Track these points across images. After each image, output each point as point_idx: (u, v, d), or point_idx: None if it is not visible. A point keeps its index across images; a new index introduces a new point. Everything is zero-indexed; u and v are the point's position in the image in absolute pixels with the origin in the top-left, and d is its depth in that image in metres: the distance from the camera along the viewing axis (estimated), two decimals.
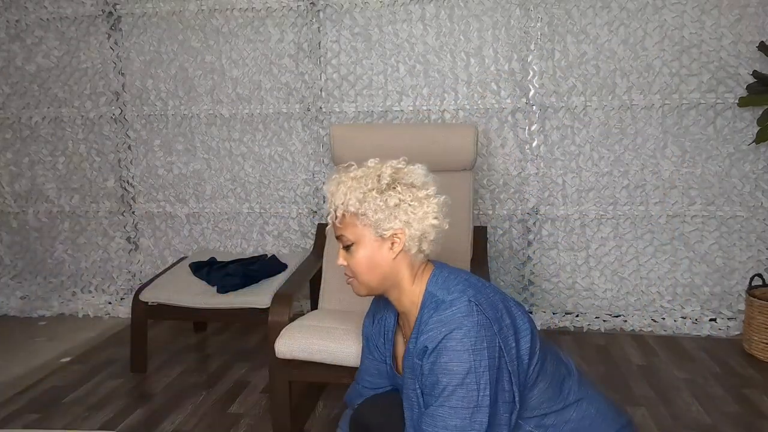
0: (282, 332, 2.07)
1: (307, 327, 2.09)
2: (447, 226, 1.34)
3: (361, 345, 1.57)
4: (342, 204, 1.31)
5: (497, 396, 1.20)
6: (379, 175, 1.32)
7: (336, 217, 1.33)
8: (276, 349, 2.04)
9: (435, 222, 1.31)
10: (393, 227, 1.29)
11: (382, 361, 1.50)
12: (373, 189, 1.30)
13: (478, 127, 2.80)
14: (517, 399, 1.23)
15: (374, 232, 1.30)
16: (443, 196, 1.35)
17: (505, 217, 3.11)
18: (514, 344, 1.23)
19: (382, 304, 1.49)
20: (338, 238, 1.36)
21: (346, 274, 1.37)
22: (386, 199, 1.29)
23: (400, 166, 1.35)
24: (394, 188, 1.31)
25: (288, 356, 2.03)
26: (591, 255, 3.07)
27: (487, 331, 1.20)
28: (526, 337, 1.27)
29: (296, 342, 2.02)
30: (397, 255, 1.31)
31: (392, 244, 1.31)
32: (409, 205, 1.30)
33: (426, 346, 1.24)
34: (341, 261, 1.36)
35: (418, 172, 1.35)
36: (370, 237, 1.31)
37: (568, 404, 1.33)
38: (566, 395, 1.33)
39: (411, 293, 1.34)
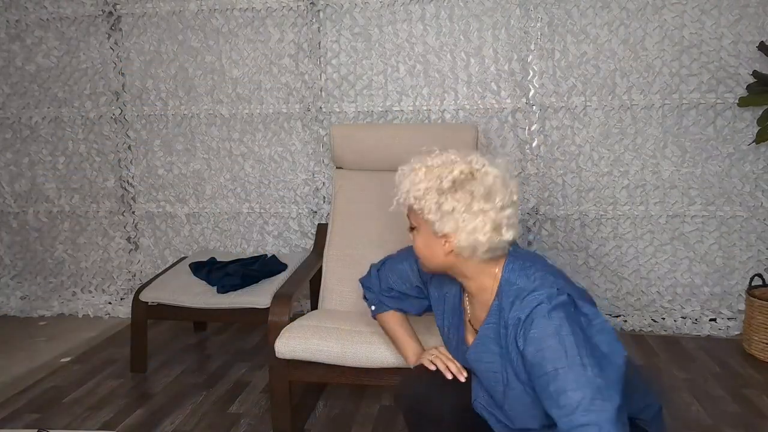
0: (282, 332, 2.07)
1: (307, 327, 2.09)
2: (511, 237, 1.32)
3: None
4: (404, 194, 1.35)
5: (600, 365, 1.20)
6: (447, 174, 1.31)
7: (401, 203, 1.37)
8: (276, 349, 2.04)
9: (483, 239, 1.30)
10: (444, 230, 1.31)
11: (418, 296, 1.62)
12: (434, 189, 1.31)
13: (478, 127, 2.80)
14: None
15: (429, 227, 1.33)
16: (508, 210, 1.32)
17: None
18: (599, 321, 1.26)
19: (446, 278, 1.50)
20: (407, 215, 1.41)
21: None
22: (442, 203, 1.30)
23: (475, 167, 1.32)
24: (454, 192, 1.30)
25: (288, 356, 2.03)
26: (591, 255, 3.07)
27: (569, 307, 1.23)
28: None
29: (296, 342, 2.02)
30: (450, 253, 1.33)
31: (445, 243, 1.33)
32: (461, 215, 1.29)
33: (500, 331, 1.29)
34: (408, 239, 1.42)
35: (487, 180, 1.31)
36: (426, 229, 1.35)
37: None
38: None
39: (480, 281, 1.36)
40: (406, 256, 1.63)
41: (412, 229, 1.40)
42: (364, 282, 1.75)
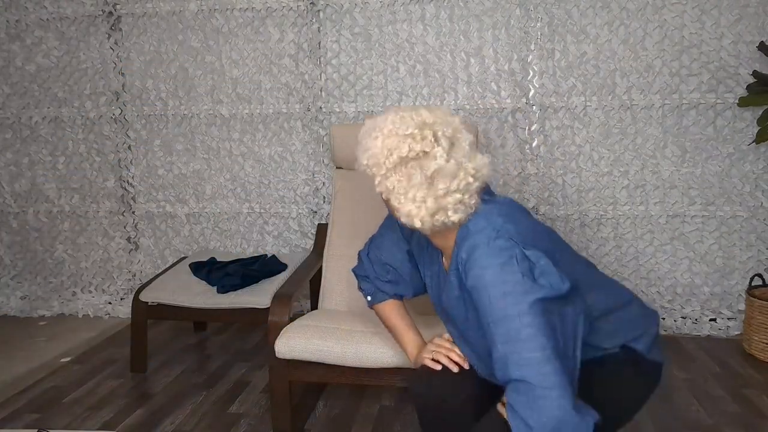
0: (282, 332, 2.07)
1: (307, 327, 2.09)
2: (458, 219, 1.28)
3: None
4: (360, 155, 1.34)
5: (543, 305, 1.19)
6: (396, 149, 1.27)
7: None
8: (276, 349, 2.04)
9: (418, 224, 1.28)
10: (390, 202, 1.32)
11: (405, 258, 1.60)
12: (381, 163, 1.29)
13: (479, 127, 2.80)
14: (563, 292, 1.22)
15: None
16: (456, 195, 1.26)
17: None
18: (543, 262, 1.23)
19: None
20: None
21: None
22: (387, 178, 1.29)
23: (426, 148, 1.26)
24: (397, 171, 1.28)
25: (288, 356, 2.03)
26: (591, 255, 3.07)
27: (510, 251, 1.22)
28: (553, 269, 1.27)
29: (296, 342, 2.02)
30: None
31: (395, 211, 1.33)
32: (399, 196, 1.29)
33: (461, 277, 1.29)
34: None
35: (433, 166, 1.26)
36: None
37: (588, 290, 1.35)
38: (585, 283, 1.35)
39: (443, 238, 1.36)
40: (388, 225, 1.63)
41: None
42: (357, 271, 1.73)
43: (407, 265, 1.62)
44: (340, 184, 2.73)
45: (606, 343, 1.37)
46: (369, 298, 1.70)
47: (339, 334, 2.03)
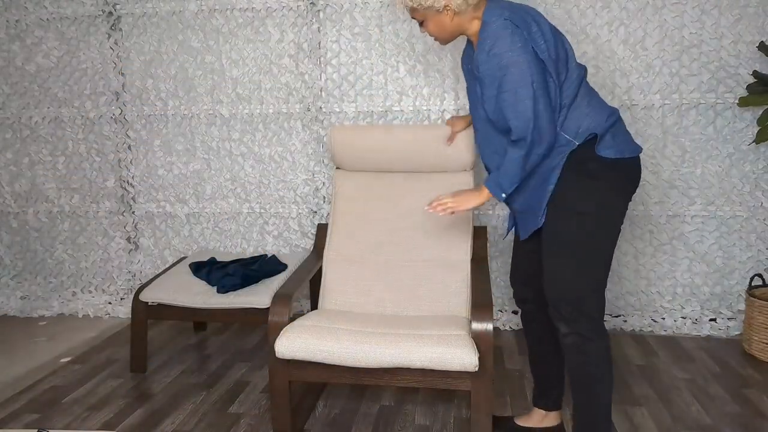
0: (282, 332, 2.07)
1: (307, 327, 2.09)
2: None
3: None
4: (400, 3, 1.85)
5: (541, 82, 1.68)
6: None
7: (405, 8, 1.85)
8: (276, 349, 2.04)
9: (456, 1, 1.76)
10: (442, 3, 1.78)
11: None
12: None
13: None
14: (556, 83, 1.73)
15: (431, 10, 1.82)
16: None
17: (505, 217, 3.12)
18: (543, 43, 1.71)
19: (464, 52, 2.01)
20: (413, 17, 1.89)
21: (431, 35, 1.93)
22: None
23: None
24: None
25: (288, 356, 2.03)
26: None
27: (519, 37, 1.68)
28: (549, 41, 1.73)
29: (296, 342, 2.02)
30: (454, 17, 1.81)
31: (446, 11, 1.79)
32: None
33: (479, 59, 1.77)
34: (422, 30, 1.91)
35: None
36: (431, 14, 1.83)
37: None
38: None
39: (473, 28, 1.84)
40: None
41: (421, 24, 1.88)
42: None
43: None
44: (340, 184, 2.73)
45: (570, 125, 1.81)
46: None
47: (339, 334, 2.03)
